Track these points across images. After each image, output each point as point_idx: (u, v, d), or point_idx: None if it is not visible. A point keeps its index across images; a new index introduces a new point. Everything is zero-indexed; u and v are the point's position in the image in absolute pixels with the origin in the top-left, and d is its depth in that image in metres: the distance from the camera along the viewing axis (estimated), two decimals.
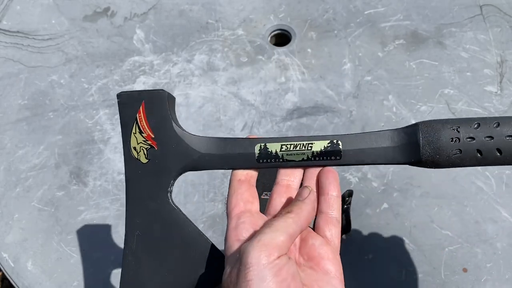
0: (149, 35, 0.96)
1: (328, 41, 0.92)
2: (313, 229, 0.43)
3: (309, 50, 0.92)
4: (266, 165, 0.44)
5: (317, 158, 0.43)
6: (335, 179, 0.43)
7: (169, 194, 0.43)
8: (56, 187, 0.79)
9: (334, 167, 0.44)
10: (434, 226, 0.72)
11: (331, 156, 0.43)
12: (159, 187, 0.43)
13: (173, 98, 0.45)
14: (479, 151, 0.40)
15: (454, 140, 0.40)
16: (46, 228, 0.76)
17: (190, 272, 0.44)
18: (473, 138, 0.40)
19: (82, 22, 0.98)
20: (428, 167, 0.42)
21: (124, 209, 0.78)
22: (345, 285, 0.71)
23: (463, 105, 0.83)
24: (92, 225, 0.76)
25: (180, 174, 0.44)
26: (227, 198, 0.44)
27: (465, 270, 0.68)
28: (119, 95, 0.43)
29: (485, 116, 0.42)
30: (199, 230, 0.44)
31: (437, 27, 0.93)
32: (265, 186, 0.76)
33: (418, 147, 0.41)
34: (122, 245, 0.75)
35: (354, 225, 0.71)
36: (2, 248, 0.75)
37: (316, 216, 0.44)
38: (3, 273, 0.75)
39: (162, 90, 0.43)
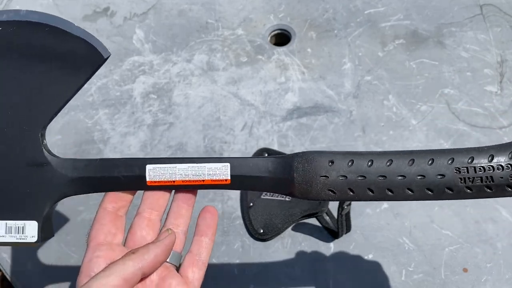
0: (148, 35, 0.96)
1: (328, 41, 0.92)
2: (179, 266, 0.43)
3: (309, 50, 0.91)
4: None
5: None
6: (212, 221, 0.44)
7: None
8: None
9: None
10: (434, 226, 0.72)
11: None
12: None
13: None
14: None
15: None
16: None
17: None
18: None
19: (82, 22, 0.98)
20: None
21: None
22: (345, 285, 0.71)
23: (463, 105, 0.83)
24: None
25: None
26: (91, 225, 0.43)
27: (465, 270, 0.68)
28: None
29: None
30: None
31: (437, 26, 0.93)
32: None
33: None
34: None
35: (354, 225, 0.71)
36: (2, 248, 0.74)
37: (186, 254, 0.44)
38: (3, 273, 0.75)
39: None
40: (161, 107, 0.86)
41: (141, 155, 0.81)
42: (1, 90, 0.41)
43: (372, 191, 0.39)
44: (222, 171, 0.42)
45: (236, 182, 0.42)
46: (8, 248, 0.74)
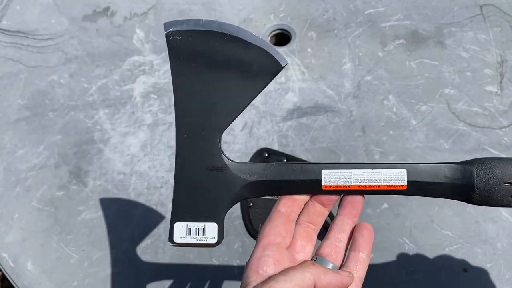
0: (149, 34, 0.96)
1: (328, 41, 0.92)
2: None
3: (309, 50, 0.91)
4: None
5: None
6: (370, 238, 0.44)
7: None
8: (56, 187, 0.79)
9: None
10: (434, 226, 0.72)
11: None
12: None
13: None
14: None
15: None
16: (46, 228, 0.76)
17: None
18: None
19: (82, 21, 0.98)
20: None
21: (124, 209, 0.78)
22: None
23: (463, 105, 0.83)
24: (92, 225, 0.76)
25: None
26: (263, 224, 0.44)
27: (465, 270, 0.68)
28: None
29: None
30: None
31: (437, 26, 0.93)
32: None
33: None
34: (122, 245, 0.75)
35: None
36: (2, 248, 0.75)
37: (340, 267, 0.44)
38: (3, 273, 0.75)
39: None
40: (161, 107, 0.86)
41: (141, 155, 0.81)
42: (183, 98, 0.43)
43: None
44: (399, 177, 0.43)
45: (412, 187, 0.43)
46: (8, 248, 0.74)
